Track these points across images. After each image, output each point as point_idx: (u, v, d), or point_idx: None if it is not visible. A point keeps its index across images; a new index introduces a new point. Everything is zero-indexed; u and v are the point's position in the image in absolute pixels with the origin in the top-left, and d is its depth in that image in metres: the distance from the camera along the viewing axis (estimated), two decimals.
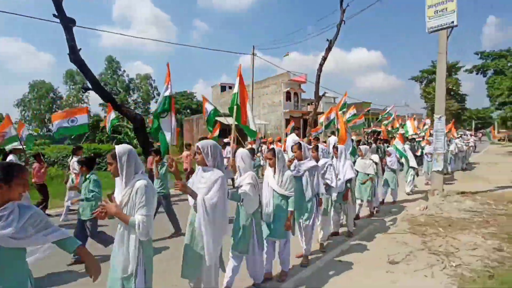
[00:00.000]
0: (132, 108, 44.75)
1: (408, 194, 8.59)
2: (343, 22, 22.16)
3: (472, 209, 6.75)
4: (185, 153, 10.63)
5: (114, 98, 13.78)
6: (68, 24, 11.93)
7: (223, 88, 40.96)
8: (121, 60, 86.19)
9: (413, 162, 7.70)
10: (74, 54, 12.27)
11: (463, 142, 14.17)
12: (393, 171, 7.47)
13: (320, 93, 24.46)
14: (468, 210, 6.68)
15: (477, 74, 36.95)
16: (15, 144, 7.03)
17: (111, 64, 43.59)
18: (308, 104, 42.88)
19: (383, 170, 7.61)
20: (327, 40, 22.56)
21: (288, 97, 32.77)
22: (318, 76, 23.14)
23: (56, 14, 11.67)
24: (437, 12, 7.84)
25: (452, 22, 7.72)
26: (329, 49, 22.69)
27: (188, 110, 41.25)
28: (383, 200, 7.69)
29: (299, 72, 32.49)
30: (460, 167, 13.35)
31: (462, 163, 13.78)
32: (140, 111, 43.09)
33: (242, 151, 3.33)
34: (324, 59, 22.96)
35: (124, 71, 44.07)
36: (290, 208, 3.54)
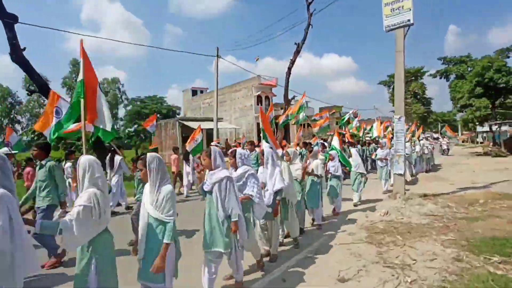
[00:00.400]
0: None
1: (356, 205, 7.49)
2: (310, 26, 22.16)
3: (433, 213, 6.43)
4: (173, 156, 10.55)
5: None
6: (8, 20, 10.77)
7: (194, 93, 40.04)
8: (93, 65, 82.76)
9: (361, 168, 7.00)
10: (16, 54, 11.08)
11: (428, 144, 14.22)
12: (337, 178, 6.60)
13: (290, 97, 24.35)
14: (429, 214, 6.36)
15: (440, 78, 38.47)
16: (4, 150, 7.13)
17: (76, 68, 41.33)
18: (281, 108, 42.82)
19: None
20: (295, 43, 22.45)
21: (259, 101, 32.41)
22: (287, 79, 22.93)
23: None
24: (393, 10, 7.62)
25: (409, 20, 7.52)
26: (297, 53, 22.58)
27: (158, 115, 39.86)
28: (334, 210, 6.82)
29: (269, 76, 32.28)
30: (424, 169, 13.35)
31: (427, 165, 13.81)
32: None
33: (84, 160, 2.41)
34: (293, 62, 22.81)
35: None
36: (166, 240, 2.52)
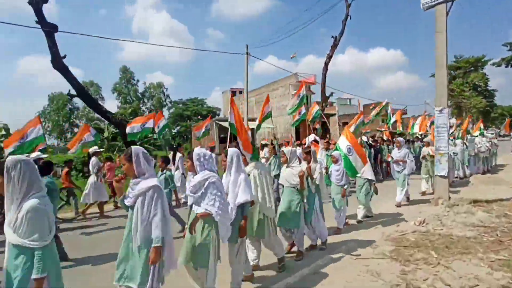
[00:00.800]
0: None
1: (359, 222, 5.96)
2: (349, 17, 20.83)
3: (483, 224, 5.30)
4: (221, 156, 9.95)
5: (98, 105, 13.36)
6: (49, 30, 11.58)
7: (233, 94, 40.39)
8: (143, 71, 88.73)
9: (368, 173, 5.59)
10: (56, 61, 11.87)
11: (486, 141, 12.25)
12: (341, 187, 5.39)
13: (328, 94, 23.19)
14: (478, 225, 5.24)
15: (506, 67, 34.05)
16: (95, 148, 7.97)
17: (125, 74, 44.40)
18: (326, 106, 41.44)
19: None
20: (332, 37, 21.30)
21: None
22: (324, 75, 21.90)
23: (37, 20, 11.37)
24: None
25: None
26: (334, 46, 21.40)
27: (198, 116, 41.00)
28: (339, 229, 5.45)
29: (308, 73, 31.24)
30: (481, 170, 11.51)
31: (484, 166, 11.90)
32: None
33: None
34: (330, 57, 21.70)
35: (138, 80, 44.70)
36: (34, 275, 1.89)
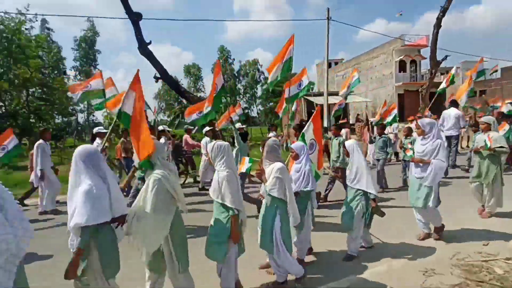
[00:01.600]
0: (242, 94, 47.55)
1: (350, 258, 3.62)
2: None
3: None
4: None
5: (178, 86, 14.20)
6: (134, 18, 12.68)
7: (328, 65, 37.75)
8: (245, 49, 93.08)
9: (364, 181, 3.42)
10: (142, 47, 13.03)
11: None
12: (307, 195, 3.43)
13: (440, 58, 18.50)
14: None
15: None
16: (239, 124, 9.01)
17: (223, 54, 46.93)
18: (442, 74, 34.62)
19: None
20: None
21: (402, 68, 26.98)
22: (435, 34, 17.59)
23: (125, 11, 12.60)
24: None
25: None
26: None
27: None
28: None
29: (418, 34, 26.13)
30: None
31: None
32: (248, 96, 45.28)
33: None
34: (444, 10, 17.35)
35: (234, 59, 46.69)
36: None
